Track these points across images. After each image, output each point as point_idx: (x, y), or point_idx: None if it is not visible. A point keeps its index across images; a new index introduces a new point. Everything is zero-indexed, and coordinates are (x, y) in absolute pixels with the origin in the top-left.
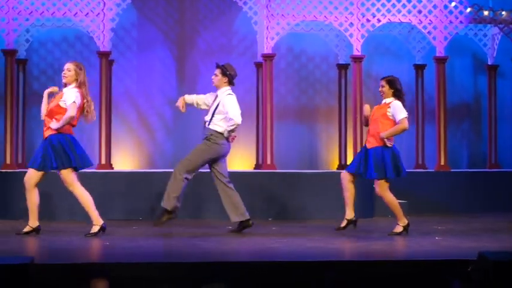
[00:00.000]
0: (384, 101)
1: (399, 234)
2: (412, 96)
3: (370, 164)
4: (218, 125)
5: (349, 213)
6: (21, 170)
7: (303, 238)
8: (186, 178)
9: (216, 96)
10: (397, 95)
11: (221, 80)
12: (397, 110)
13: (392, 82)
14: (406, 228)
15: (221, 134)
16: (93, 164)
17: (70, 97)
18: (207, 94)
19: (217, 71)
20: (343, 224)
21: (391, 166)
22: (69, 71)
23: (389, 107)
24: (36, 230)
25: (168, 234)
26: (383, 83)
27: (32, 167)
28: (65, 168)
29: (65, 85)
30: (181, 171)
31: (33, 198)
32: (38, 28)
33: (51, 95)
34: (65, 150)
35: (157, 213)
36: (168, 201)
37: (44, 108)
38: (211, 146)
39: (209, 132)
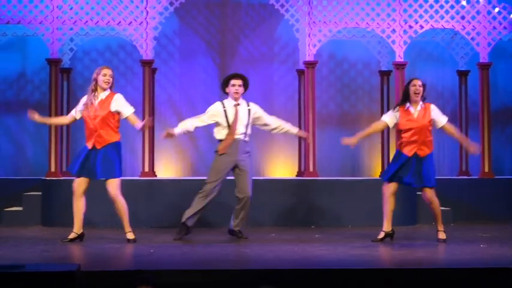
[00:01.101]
0: (420, 105)
1: None
2: (456, 102)
3: (430, 172)
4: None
5: (387, 226)
6: (65, 178)
7: (346, 245)
8: None
9: (238, 105)
10: (423, 100)
11: (243, 91)
12: (440, 113)
13: (425, 86)
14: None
15: None
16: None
17: (126, 105)
18: (208, 113)
19: (242, 82)
20: (381, 235)
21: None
22: (112, 77)
23: (431, 110)
24: (80, 237)
25: (211, 241)
26: (421, 83)
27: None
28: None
29: (98, 89)
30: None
31: (79, 205)
32: (82, 37)
33: None
34: (121, 160)
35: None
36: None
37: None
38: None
39: (248, 148)
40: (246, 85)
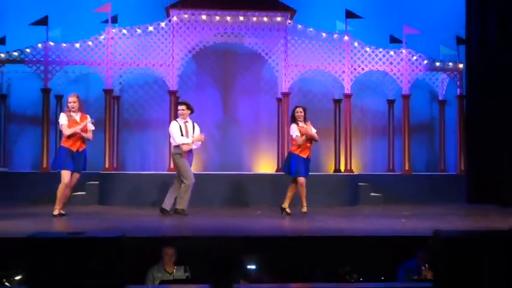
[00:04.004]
0: (306, 122)
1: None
2: (386, 120)
3: (308, 168)
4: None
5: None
6: (115, 171)
7: (310, 218)
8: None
9: (192, 123)
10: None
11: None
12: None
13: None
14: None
15: None
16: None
17: (90, 124)
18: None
19: (185, 106)
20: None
21: None
22: (75, 102)
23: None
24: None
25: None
26: (302, 109)
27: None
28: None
29: (70, 111)
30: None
31: (68, 192)
32: (128, 75)
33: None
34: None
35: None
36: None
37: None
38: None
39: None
40: (189, 108)
